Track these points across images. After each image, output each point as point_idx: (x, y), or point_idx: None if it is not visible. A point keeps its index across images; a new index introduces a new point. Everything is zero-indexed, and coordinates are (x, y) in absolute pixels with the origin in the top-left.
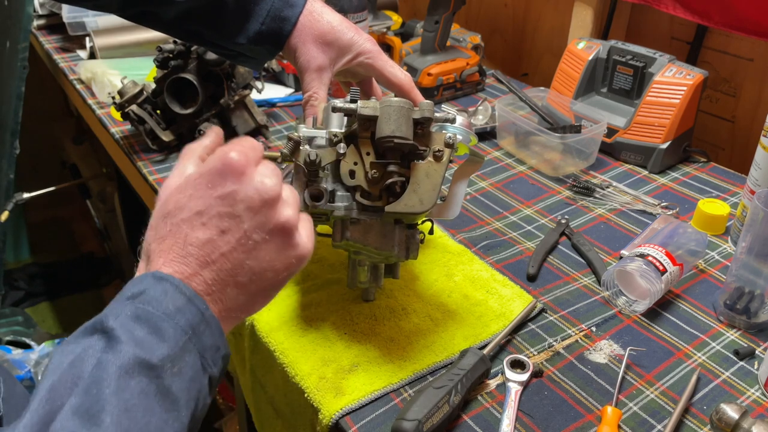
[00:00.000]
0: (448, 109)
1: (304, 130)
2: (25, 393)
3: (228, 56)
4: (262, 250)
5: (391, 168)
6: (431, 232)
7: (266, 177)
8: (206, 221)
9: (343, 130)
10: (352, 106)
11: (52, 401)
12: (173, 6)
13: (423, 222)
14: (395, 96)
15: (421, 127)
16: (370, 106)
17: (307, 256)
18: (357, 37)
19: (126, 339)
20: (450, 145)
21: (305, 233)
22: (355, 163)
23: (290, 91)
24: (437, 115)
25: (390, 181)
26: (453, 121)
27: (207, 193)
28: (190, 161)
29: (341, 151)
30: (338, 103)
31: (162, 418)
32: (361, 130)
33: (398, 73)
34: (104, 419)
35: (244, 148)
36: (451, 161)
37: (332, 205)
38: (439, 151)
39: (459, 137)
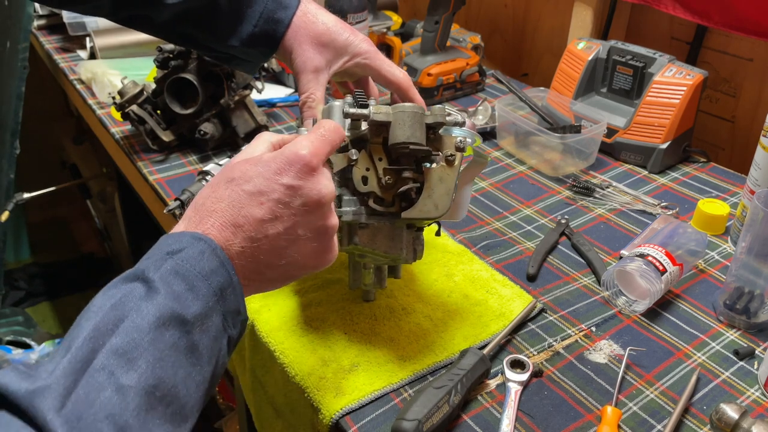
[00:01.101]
0: (449, 110)
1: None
2: None
3: (221, 60)
4: (302, 245)
5: (406, 174)
6: (438, 233)
7: (328, 180)
8: (264, 201)
9: (348, 134)
10: (365, 111)
11: (95, 339)
12: (165, 8)
13: (430, 224)
14: (393, 95)
15: (433, 131)
16: (383, 111)
17: (333, 260)
18: (353, 37)
19: (165, 291)
20: (461, 149)
21: (336, 240)
22: (367, 169)
23: (290, 91)
24: (448, 118)
25: (406, 188)
26: (462, 124)
27: (273, 177)
28: (262, 144)
29: (354, 158)
30: (350, 108)
31: (187, 371)
32: (372, 136)
33: (396, 72)
34: (140, 364)
35: (320, 143)
36: None
37: (341, 210)
38: (451, 155)
39: (468, 140)
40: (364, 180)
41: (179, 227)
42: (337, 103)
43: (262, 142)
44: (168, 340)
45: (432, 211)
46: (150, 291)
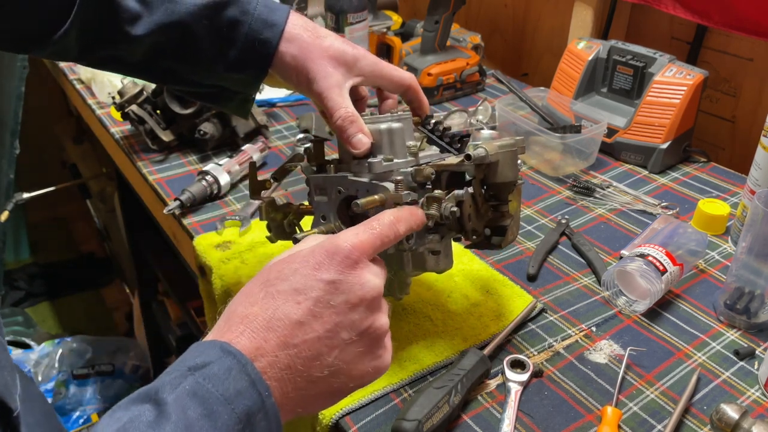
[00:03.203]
0: (450, 109)
1: (393, 162)
2: (40, 394)
3: (210, 98)
4: (346, 349)
5: (504, 209)
6: None
7: (374, 275)
8: (302, 301)
9: (426, 162)
10: (482, 153)
11: None
12: (136, 45)
13: None
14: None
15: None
16: (490, 152)
17: (386, 370)
18: (356, 51)
19: (176, 418)
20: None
21: (389, 345)
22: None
23: (290, 91)
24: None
25: (506, 222)
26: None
27: (311, 272)
28: (304, 243)
29: (463, 199)
30: (473, 152)
31: None
32: (477, 173)
33: (404, 75)
34: None
35: (368, 236)
36: None
37: (420, 241)
38: (521, 181)
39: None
40: (469, 217)
41: (210, 335)
42: (396, 125)
43: (305, 241)
44: None
45: (516, 234)
46: (160, 417)
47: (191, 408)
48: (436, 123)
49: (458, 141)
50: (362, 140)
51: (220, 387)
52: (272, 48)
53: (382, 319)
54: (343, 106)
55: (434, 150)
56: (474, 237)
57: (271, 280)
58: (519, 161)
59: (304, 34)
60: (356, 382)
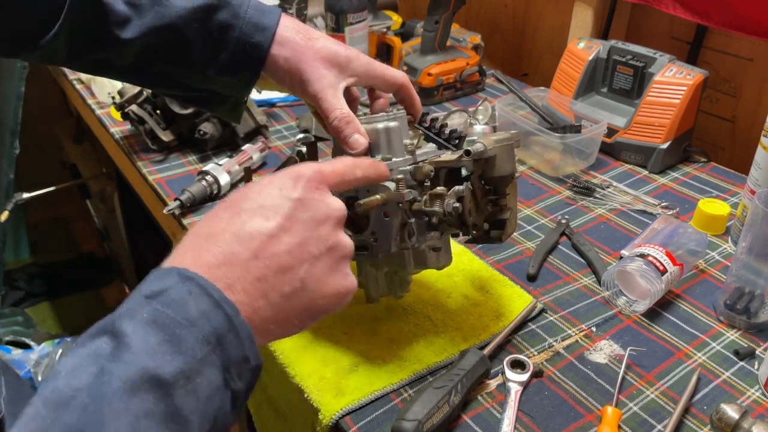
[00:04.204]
0: (449, 109)
1: (394, 161)
2: (32, 395)
3: (201, 102)
4: (315, 264)
5: (503, 202)
6: None
7: (335, 199)
8: (270, 216)
9: (424, 159)
10: (481, 148)
11: (42, 418)
12: (126, 49)
13: None
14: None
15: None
16: (488, 146)
17: (354, 292)
18: (349, 52)
19: (137, 347)
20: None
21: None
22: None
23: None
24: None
25: (505, 216)
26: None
27: (277, 192)
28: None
29: (463, 194)
30: (472, 147)
31: None
32: (475, 168)
33: (397, 74)
34: None
35: (330, 169)
36: None
37: (422, 238)
38: (518, 175)
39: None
40: (470, 212)
41: (169, 260)
42: (393, 124)
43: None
44: (139, 408)
45: (514, 227)
46: (118, 347)
47: (152, 335)
48: (432, 120)
49: (456, 137)
50: (359, 140)
51: (180, 311)
52: (263, 51)
53: (348, 240)
54: (338, 107)
55: (430, 147)
56: (474, 232)
57: (236, 201)
58: (516, 156)
59: (296, 37)
60: (327, 300)
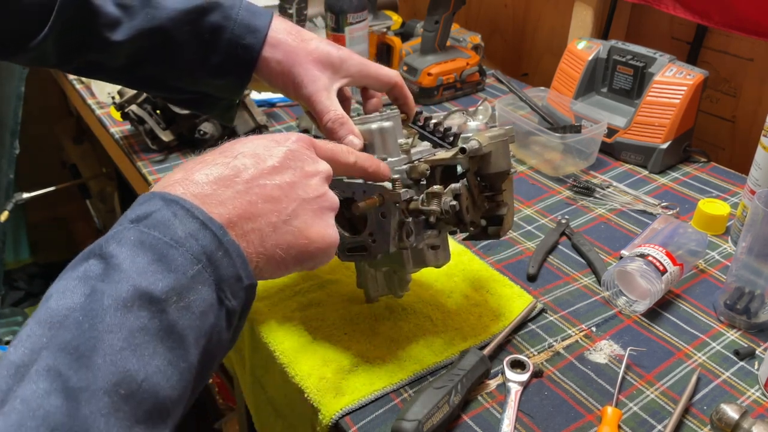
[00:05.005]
0: (449, 109)
1: (390, 160)
2: None
3: (193, 104)
4: (303, 206)
5: (499, 198)
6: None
7: (323, 163)
8: (262, 158)
9: (419, 157)
10: (476, 145)
11: (38, 337)
12: (117, 51)
13: None
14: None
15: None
16: (483, 143)
17: (335, 246)
18: (342, 52)
19: (126, 267)
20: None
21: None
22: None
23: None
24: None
25: (502, 212)
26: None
27: (270, 143)
28: None
29: (459, 192)
30: (467, 145)
31: (165, 358)
32: (471, 165)
33: (390, 74)
34: (95, 360)
35: (322, 141)
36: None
37: (420, 237)
38: (514, 171)
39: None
40: (467, 209)
41: (157, 185)
42: (387, 124)
43: None
44: (133, 324)
45: (511, 223)
46: (108, 268)
47: (140, 255)
48: (426, 119)
49: (451, 135)
50: (353, 141)
51: (167, 233)
52: (255, 53)
53: (334, 196)
54: (332, 108)
55: (424, 146)
56: (471, 229)
57: (227, 148)
58: (510, 152)
59: (288, 38)
60: (311, 244)
